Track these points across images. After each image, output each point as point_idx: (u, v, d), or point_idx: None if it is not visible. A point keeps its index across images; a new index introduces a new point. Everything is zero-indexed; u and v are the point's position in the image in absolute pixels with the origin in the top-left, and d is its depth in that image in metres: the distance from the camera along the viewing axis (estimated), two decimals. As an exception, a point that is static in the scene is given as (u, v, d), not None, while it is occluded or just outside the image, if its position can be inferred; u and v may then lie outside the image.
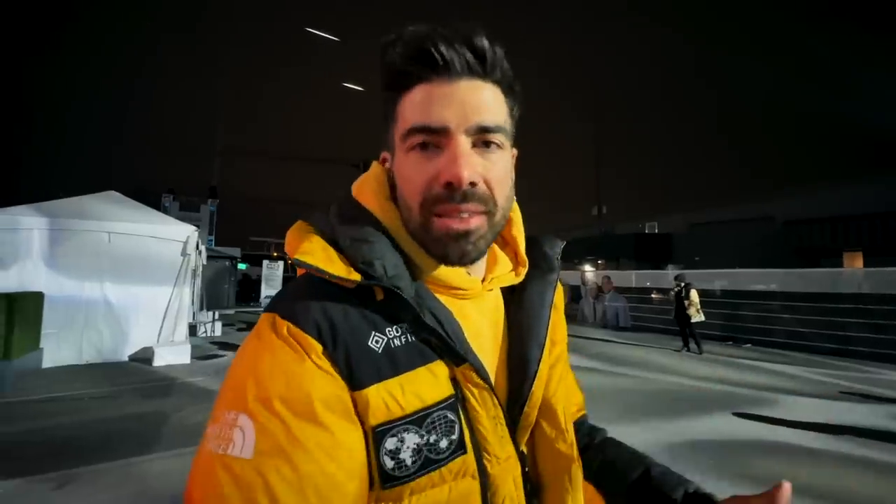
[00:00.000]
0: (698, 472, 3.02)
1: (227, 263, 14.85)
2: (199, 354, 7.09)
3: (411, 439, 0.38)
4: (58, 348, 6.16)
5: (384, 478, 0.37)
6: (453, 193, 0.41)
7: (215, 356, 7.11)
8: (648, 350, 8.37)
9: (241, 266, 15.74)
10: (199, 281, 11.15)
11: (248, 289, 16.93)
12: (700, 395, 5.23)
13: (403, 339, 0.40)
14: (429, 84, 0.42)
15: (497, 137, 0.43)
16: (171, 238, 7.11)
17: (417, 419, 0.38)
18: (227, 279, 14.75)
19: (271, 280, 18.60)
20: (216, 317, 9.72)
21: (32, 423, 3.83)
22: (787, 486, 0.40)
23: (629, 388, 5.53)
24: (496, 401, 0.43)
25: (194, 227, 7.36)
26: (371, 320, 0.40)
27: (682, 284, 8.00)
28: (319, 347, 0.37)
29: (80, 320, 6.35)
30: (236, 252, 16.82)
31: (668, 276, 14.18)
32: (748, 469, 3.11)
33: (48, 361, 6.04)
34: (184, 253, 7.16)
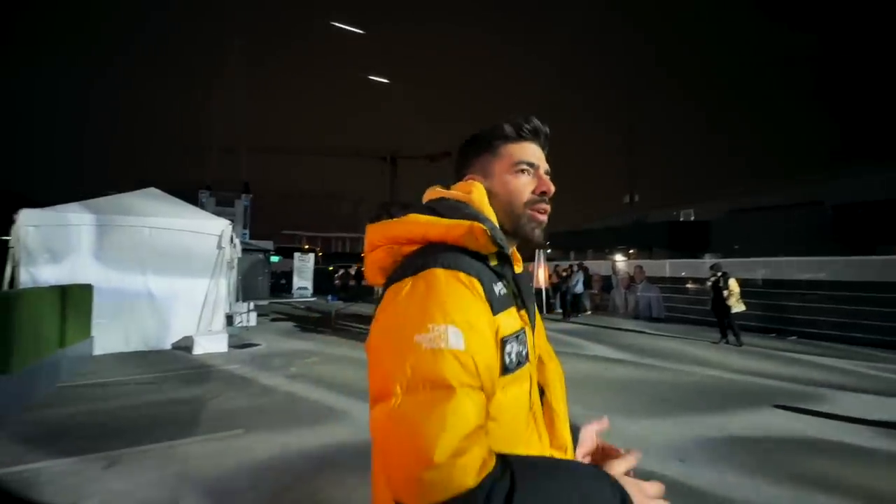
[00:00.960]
0: (734, 469, 2.89)
1: (260, 256, 15.36)
2: (235, 343, 7.39)
3: (515, 347, 0.62)
4: (107, 337, 6.56)
5: (503, 369, 0.60)
6: (545, 198, 0.74)
7: (250, 345, 7.39)
8: (683, 342, 8.08)
9: (274, 259, 16.24)
10: (234, 273, 11.59)
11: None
12: (739, 388, 5.00)
13: (505, 289, 0.65)
14: (527, 142, 0.76)
15: (549, 175, 0.75)
16: (207, 232, 7.40)
17: (517, 335, 0.63)
18: (262, 271, 15.28)
19: (303, 272, 19.13)
20: (251, 307, 10.09)
21: (84, 406, 4.10)
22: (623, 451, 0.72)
23: (661, 380, 5.36)
24: (532, 333, 0.70)
25: (228, 222, 7.62)
26: (491, 275, 0.64)
27: (720, 273, 7.67)
28: (481, 289, 0.60)
29: (126, 310, 6.73)
30: (269, 245, 17.34)
31: (704, 265, 13.61)
32: (790, 467, 2.95)
33: (98, 349, 6.45)
34: (219, 246, 7.44)
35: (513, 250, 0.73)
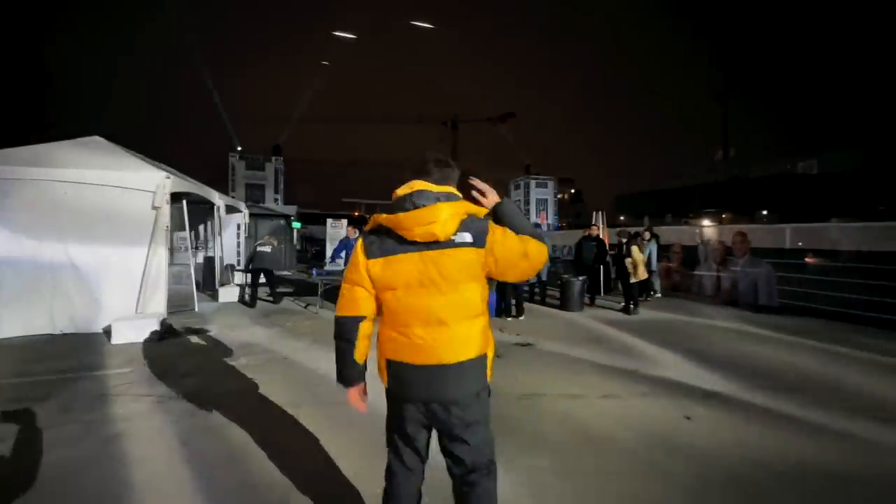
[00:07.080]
0: None
1: (281, 222, 14.12)
2: (181, 326, 5.90)
3: None
4: (24, 316, 5.33)
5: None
6: None
7: (199, 332, 5.81)
8: (828, 355, 5.01)
9: (296, 225, 14.97)
10: (239, 241, 10.12)
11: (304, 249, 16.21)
12: None
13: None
14: None
15: None
16: (138, 188, 5.78)
17: None
18: (284, 239, 14.04)
19: (336, 239, 17.90)
20: (234, 282, 8.67)
21: None
22: None
23: (809, 461, 2.66)
24: None
25: (166, 174, 5.93)
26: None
27: (625, 240, 7.44)
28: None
29: (41, 286, 5.42)
30: (291, 211, 16.09)
31: (828, 231, 9.83)
32: None
33: (14, 330, 5.25)
34: (154, 206, 5.81)
35: None
